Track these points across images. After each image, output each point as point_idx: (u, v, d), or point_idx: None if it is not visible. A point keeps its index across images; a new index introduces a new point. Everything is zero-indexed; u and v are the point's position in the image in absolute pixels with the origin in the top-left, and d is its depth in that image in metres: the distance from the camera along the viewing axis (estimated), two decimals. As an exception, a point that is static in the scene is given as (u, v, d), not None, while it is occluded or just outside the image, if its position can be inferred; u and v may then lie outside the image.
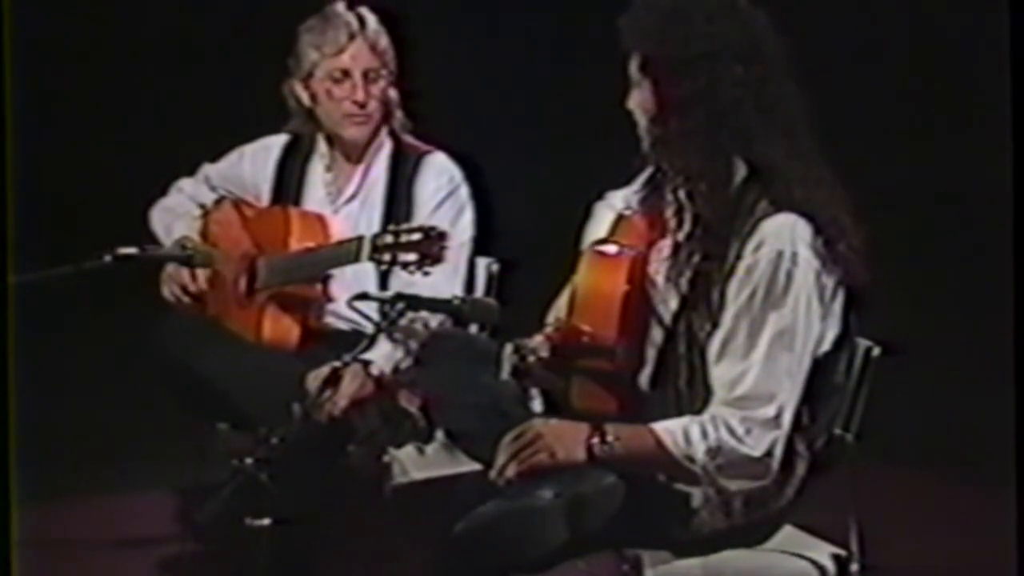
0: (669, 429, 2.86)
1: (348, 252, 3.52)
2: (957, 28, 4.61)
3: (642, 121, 2.97)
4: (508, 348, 2.93)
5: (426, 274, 3.36)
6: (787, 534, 3.01)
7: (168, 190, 4.02)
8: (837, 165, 2.98)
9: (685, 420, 2.87)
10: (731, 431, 2.84)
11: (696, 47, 2.90)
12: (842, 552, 3.02)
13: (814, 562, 3.00)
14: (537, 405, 2.87)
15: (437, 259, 3.31)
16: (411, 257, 3.32)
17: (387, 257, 3.36)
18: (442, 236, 3.31)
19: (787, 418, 2.86)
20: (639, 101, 2.96)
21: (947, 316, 4.72)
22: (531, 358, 2.88)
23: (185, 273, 3.86)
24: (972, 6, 4.39)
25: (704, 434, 2.84)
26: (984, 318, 4.02)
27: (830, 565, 3.00)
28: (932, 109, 4.80)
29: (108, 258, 3.64)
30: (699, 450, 2.84)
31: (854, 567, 3.01)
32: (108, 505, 4.40)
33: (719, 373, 2.87)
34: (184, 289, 3.86)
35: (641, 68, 2.95)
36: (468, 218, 3.84)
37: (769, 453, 2.85)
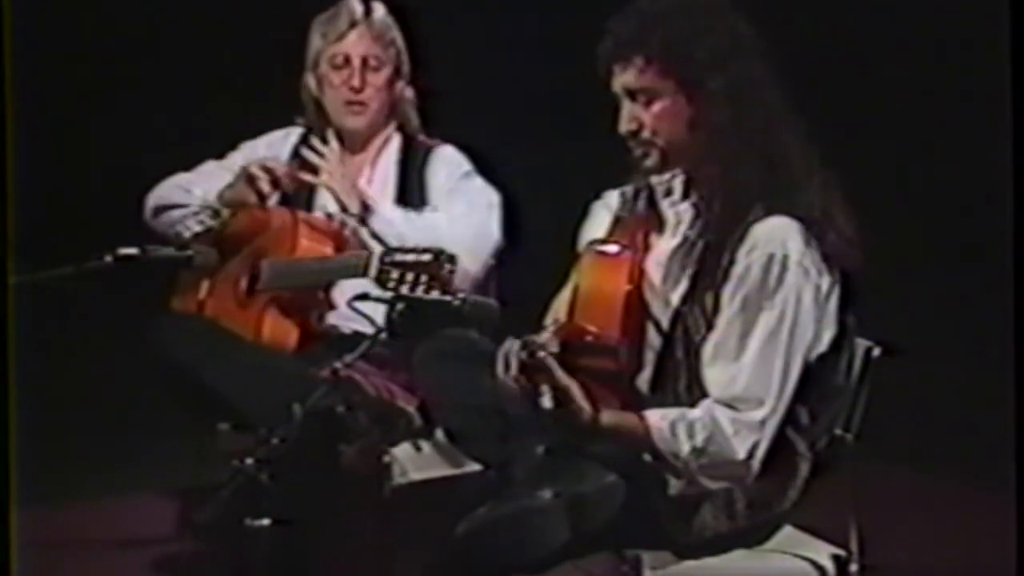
0: (658, 426, 2.86)
1: (356, 267, 3.52)
2: (957, 25, 4.61)
3: (658, 133, 2.95)
4: (515, 345, 2.92)
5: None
6: (786, 534, 3.01)
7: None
8: (836, 166, 2.98)
9: (675, 415, 2.87)
10: (721, 431, 2.84)
11: (719, 47, 2.90)
12: (841, 552, 3.02)
13: (813, 562, 3.00)
14: (547, 401, 2.86)
15: (445, 284, 3.25)
16: (421, 279, 3.26)
17: (395, 275, 3.30)
18: (452, 259, 3.27)
19: (772, 422, 2.86)
20: (659, 111, 2.94)
21: (947, 316, 4.72)
22: (541, 353, 2.87)
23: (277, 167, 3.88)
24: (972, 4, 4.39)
25: (691, 433, 2.85)
26: (984, 318, 4.02)
27: (829, 565, 3.00)
28: (932, 109, 4.80)
29: (108, 258, 3.64)
30: (684, 449, 2.85)
31: (853, 567, 3.01)
32: (108, 506, 4.40)
33: (712, 375, 2.88)
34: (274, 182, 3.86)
35: (660, 75, 2.93)
36: (487, 193, 3.85)
37: (751, 455, 2.86)
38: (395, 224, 3.80)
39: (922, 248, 4.81)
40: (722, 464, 2.86)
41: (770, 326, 2.85)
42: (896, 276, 4.49)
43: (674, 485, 2.90)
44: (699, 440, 2.84)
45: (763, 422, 2.85)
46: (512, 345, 2.90)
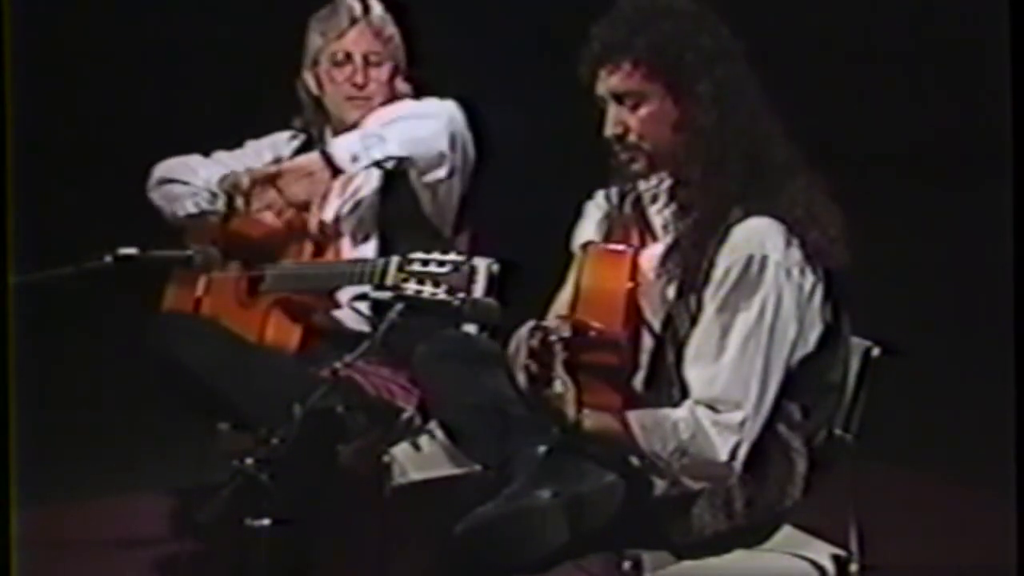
0: (642, 423, 2.86)
1: (372, 273, 3.52)
2: (951, 19, 4.61)
3: (645, 137, 2.95)
4: (523, 332, 2.91)
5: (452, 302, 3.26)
6: (786, 534, 3.01)
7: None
8: (833, 166, 2.98)
9: (659, 415, 2.87)
10: (703, 432, 2.84)
11: (707, 49, 2.90)
12: (841, 552, 3.02)
13: (813, 562, 3.00)
14: (559, 386, 2.85)
15: (466, 294, 3.17)
16: (439, 290, 3.22)
17: (413, 283, 3.25)
18: (472, 270, 3.24)
19: (752, 423, 2.86)
20: (646, 115, 2.94)
21: (947, 316, 4.72)
22: (552, 337, 2.86)
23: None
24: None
25: (675, 432, 2.84)
26: (984, 318, 4.02)
27: (829, 565, 3.00)
28: (933, 108, 4.80)
29: (108, 258, 3.64)
30: (667, 449, 2.85)
31: (853, 567, 3.01)
32: (108, 505, 4.40)
33: (692, 376, 2.88)
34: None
35: (648, 78, 2.93)
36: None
37: (733, 456, 2.85)
38: (350, 139, 3.79)
39: (922, 247, 4.81)
40: (704, 464, 2.86)
41: (749, 327, 2.86)
42: (896, 275, 4.50)
43: (659, 486, 2.91)
44: (681, 440, 2.84)
45: (743, 423, 2.85)
46: (521, 333, 2.90)
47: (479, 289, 3.30)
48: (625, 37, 2.93)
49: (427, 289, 3.13)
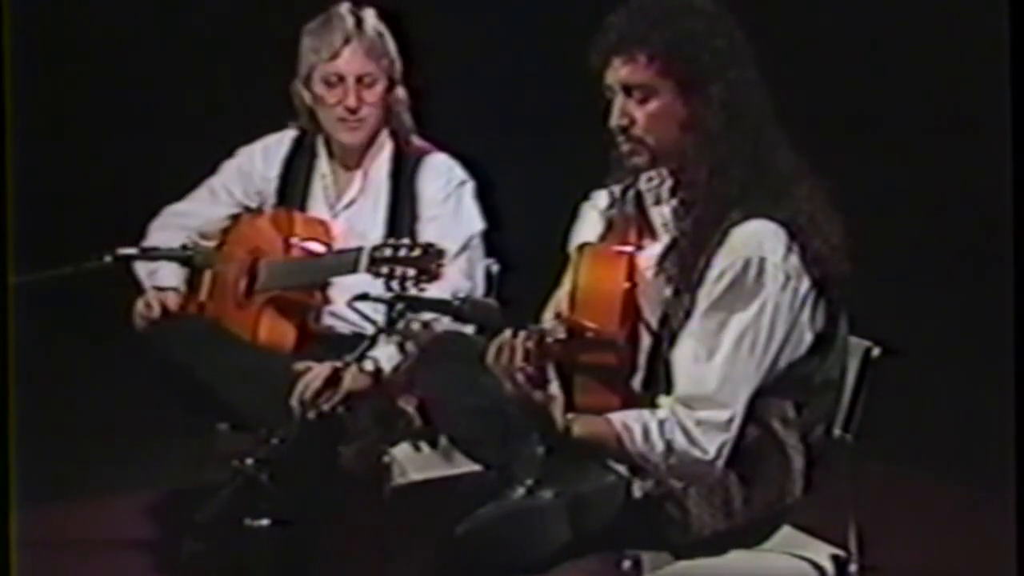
0: (628, 426, 2.86)
1: (347, 262, 3.51)
2: (956, 26, 4.61)
3: (650, 131, 2.94)
4: (521, 335, 2.90)
5: (421, 290, 3.32)
6: (786, 534, 3.01)
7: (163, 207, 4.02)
8: (833, 169, 2.98)
9: (645, 416, 2.87)
10: (686, 432, 2.84)
11: (721, 52, 2.90)
12: (841, 553, 3.03)
13: (813, 563, 3.00)
14: (555, 388, 2.85)
15: (435, 276, 3.28)
16: (409, 272, 3.29)
17: (384, 270, 3.32)
18: (440, 254, 3.28)
19: (737, 423, 2.86)
20: (654, 110, 2.94)
21: (947, 316, 4.72)
22: (549, 339, 2.86)
23: (142, 303, 3.85)
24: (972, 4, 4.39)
25: (661, 433, 2.85)
26: (984, 318, 4.02)
27: (828, 566, 3.00)
28: (932, 109, 4.80)
29: (108, 258, 3.64)
30: (656, 450, 2.85)
31: (852, 568, 3.01)
32: (108, 505, 4.40)
33: (682, 372, 2.87)
34: (147, 316, 3.85)
35: (661, 74, 2.93)
36: (474, 214, 3.84)
37: (718, 455, 2.86)
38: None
39: (922, 248, 4.81)
40: (689, 464, 2.86)
41: (743, 328, 2.85)
42: (896, 276, 4.50)
43: (639, 487, 2.90)
44: (669, 440, 2.84)
45: (730, 421, 2.85)
46: (509, 336, 2.88)
47: (449, 272, 3.35)
48: (644, 30, 2.91)
49: (398, 273, 3.25)
